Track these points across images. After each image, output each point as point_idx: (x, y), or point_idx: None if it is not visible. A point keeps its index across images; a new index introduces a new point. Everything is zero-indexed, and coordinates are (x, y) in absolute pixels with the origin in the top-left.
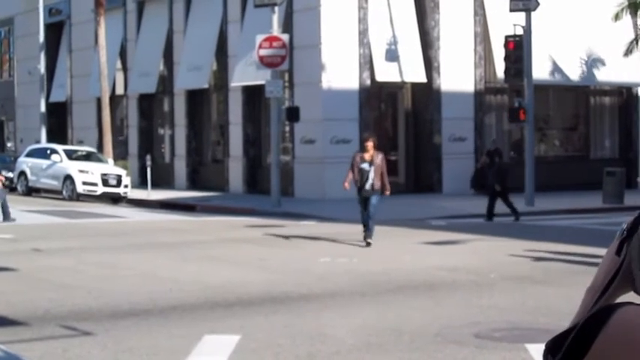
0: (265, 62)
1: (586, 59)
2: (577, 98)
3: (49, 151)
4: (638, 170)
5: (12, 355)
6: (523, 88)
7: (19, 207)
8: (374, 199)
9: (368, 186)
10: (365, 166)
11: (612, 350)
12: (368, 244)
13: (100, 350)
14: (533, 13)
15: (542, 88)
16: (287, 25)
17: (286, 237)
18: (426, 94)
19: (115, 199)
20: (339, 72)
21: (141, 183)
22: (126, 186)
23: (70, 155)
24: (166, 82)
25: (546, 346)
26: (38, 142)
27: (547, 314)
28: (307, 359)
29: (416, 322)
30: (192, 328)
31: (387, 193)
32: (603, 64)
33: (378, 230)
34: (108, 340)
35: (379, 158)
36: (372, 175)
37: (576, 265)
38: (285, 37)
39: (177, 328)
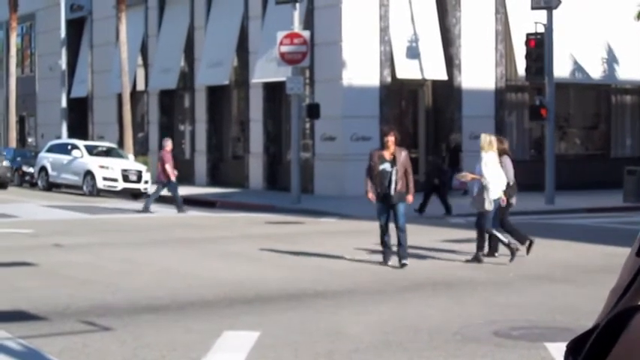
0: (286, 59)
1: (607, 58)
2: (598, 96)
3: (69, 147)
4: None
5: (32, 349)
6: (544, 86)
7: (40, 202)
8: (401, 208)
9: (392, 191)
10: (386, 166)
11: (634, 352)
12: (403, 266)
13: (119, 345)
14: (554, 11)
15: (563, 86)
16: (308, 22)
17: (305, 234)
18: (447, 92)
19: (136, 195)
20: (360, 69)
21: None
22: (146, 182)
23: (91, 151)
24: (187, 78)
25: (567, 346)
26: (59, 137)
27: (566, 313)
28: (326, 356)
29: (435, 320)
30: (211, 324)
31: (410, 198)
32: (624, 62)
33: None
34: (127, 335)
35: (402, 155)
36: (394, 177)
37: (596, 264)
38: (306, 33)
39: (196, 324)
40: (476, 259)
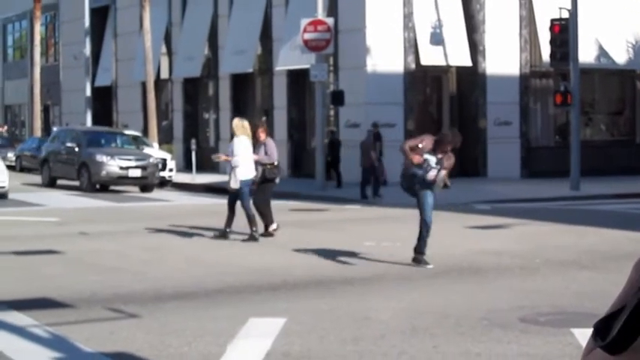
0: (310, 46)
1: (633, 43)
2: (623, 82)
3: None
4: None
5: (59, 336)
6: (569, 72)
7: (65, 191)
8: (429, 197)
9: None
10: (431, 160)
11: None
12: (415, 262)
13: (145, 332)
14: None
15: (587, 72)
16: (332, 9)
17: (329, 221)
18: (471, 78)
19: (160, 183)
20: (384, 56)
21: (185, 167)
22: (171, 170)
23: None
24: (211, 66)
25: (594, 326)
26: (84, 126)
27: (593, 299)
28: (353, 343)
29: (461, 306)
30: (237, 311)
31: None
32: None
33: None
34: (153, 322)
35: (449, 162)
36: (433, 173)
37: (623, 250)
38: (330, 20)
39: (223, 310)
40: (222, 235)
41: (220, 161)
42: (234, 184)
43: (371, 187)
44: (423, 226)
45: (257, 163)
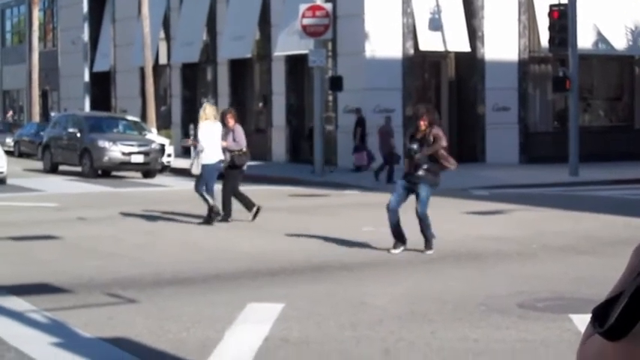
0: (308, 31)
1: (631, 29)
2: (621, 68)
3: None
4: None
5: (57, 321)
6: (567, 58)
7: (66, 176)
8: (423, 192)
9: (420, 171)
10: (414, 146)
11: None
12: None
13: (144, 318)
14: None
15: (586, 58)
16: None
17: (329, 206)
18: (470, 64)
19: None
20: (383, 41)
21: (184, 152)
22: (169, 155)
23: None
24: (209, 51)
25: (593, 313)
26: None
27: (591, 284)
28: (350, 328)
29: (459, 291)
30: (235, 297)
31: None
32: None
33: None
34: (152, 307)
35: (434, 137)
36: (420, 158)
37: (621, 236)
38: (329, 6)
39: (221, 296)
40: (207, 222)
41: (188, 146)
42: (196, 170)
43: (385, 173)
44: (419, 221)
45: (225, 149)
